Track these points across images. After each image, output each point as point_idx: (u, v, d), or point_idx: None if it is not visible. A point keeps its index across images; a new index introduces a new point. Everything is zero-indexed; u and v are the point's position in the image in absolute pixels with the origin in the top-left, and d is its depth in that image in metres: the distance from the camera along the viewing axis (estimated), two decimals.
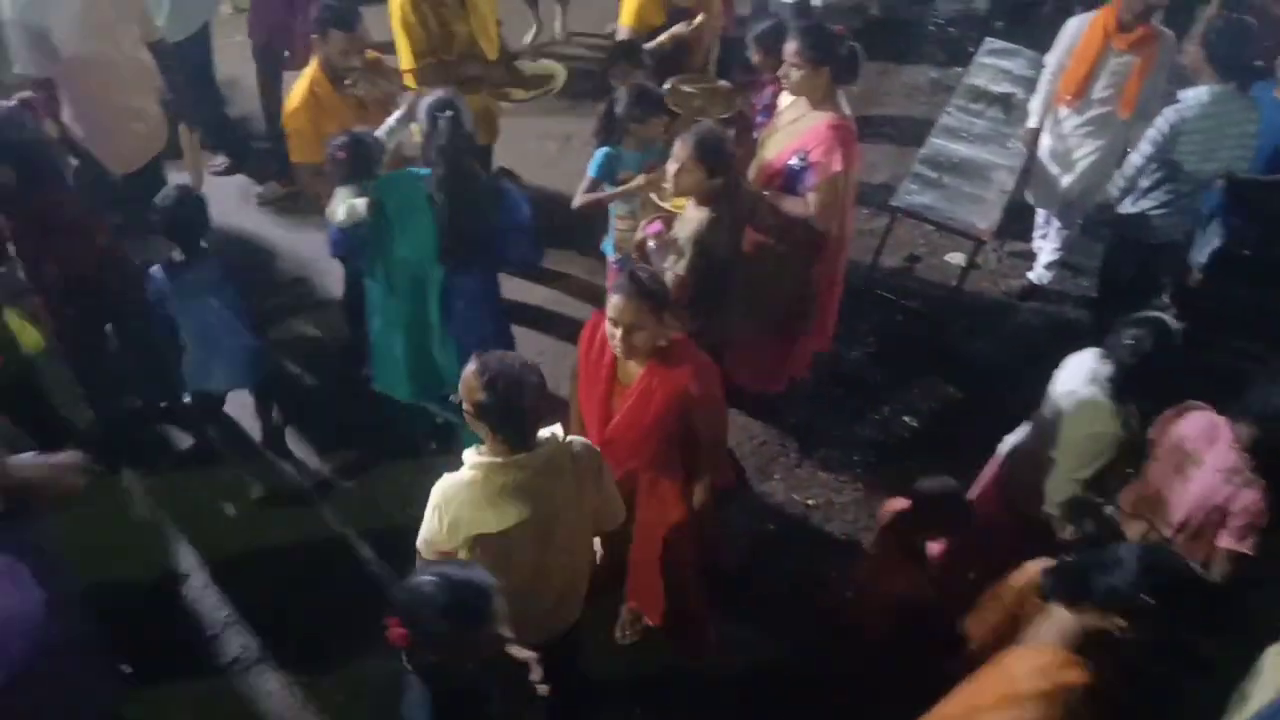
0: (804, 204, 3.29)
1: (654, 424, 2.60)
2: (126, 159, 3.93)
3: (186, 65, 4.28)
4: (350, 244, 3.39)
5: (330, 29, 3.42)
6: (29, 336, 3.24)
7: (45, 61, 3.56)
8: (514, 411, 2.16)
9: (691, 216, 3.14)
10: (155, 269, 3.20)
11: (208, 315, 3.26)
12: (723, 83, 4.18)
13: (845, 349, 4.35)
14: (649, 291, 2.43)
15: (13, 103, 3.20)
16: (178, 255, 3.21)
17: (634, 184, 3.44)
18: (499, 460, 2.20)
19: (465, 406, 2.21)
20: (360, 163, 3.20)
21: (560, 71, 4.29)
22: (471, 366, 2.19)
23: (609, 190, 3.49)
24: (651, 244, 3.25)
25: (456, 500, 2.22)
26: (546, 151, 5.45)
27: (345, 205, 3.18)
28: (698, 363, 2.58)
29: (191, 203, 3.21)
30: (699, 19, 4.22)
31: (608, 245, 3.82)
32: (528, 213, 3.27)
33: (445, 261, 3.15)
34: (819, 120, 3.29)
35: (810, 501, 3.78)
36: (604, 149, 3.55)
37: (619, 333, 2.46)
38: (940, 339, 4.49)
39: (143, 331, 3.49)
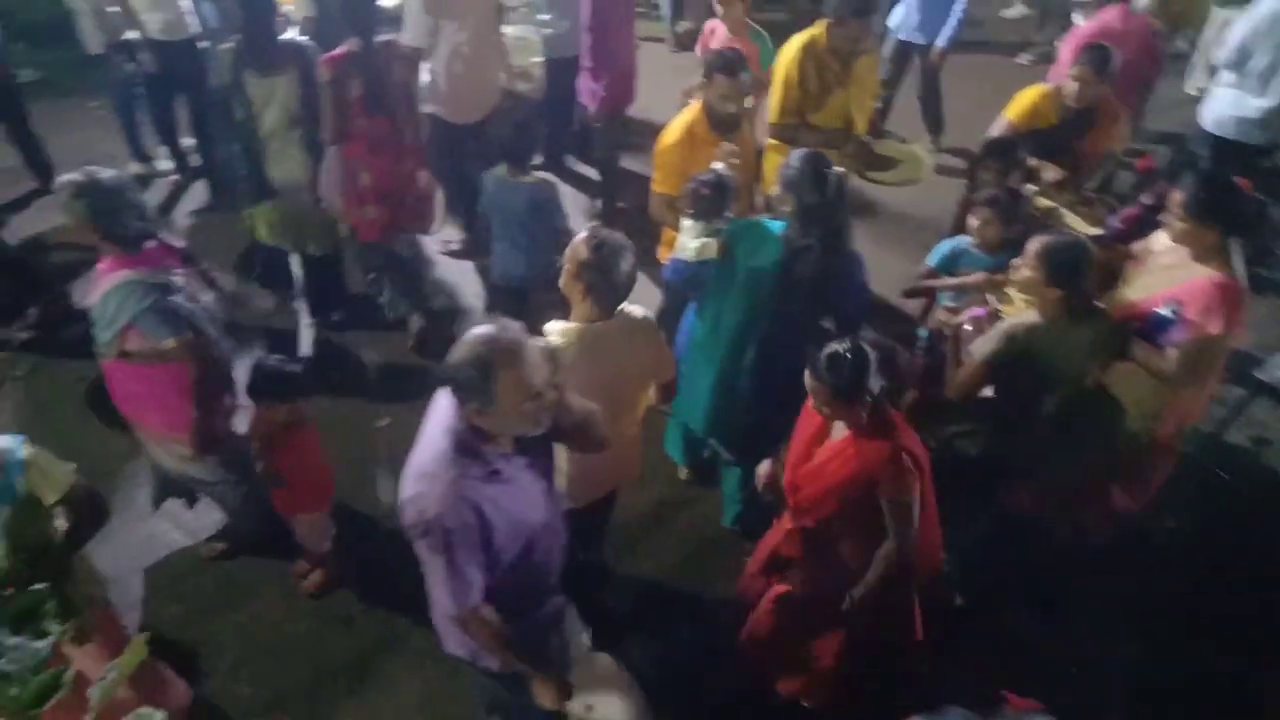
0: (1163, 359, 2.97)
1: (836, 488, 2.62)
2: (468, 112, 4.86)
3: None
4: (689, 277, 3.48)
5: (716, 74, 3.61)
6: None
7: (426, 37, 4.40)
8: (610, 276, 2.57)
9: (1023, 313, 3.01)
10: (489, 174, 4.05)
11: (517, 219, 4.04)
12: (1099, 197, 3.91)
13: (1152, 518, 3.88)
14: (831, 382, 2.46)
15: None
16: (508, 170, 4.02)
17: (974, 279, 3.32)
18: (584, 325, 2.64)
19: (568, 267, 2.61)
20: (718, 203, 3.31)
21: (925, 161, 4.21)
22: (584, 234, 2.62)
23: (945, 280, 3.40)
24: (967, 326, 3.12)
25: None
26: (882, 225, 5.40)
27: (699, 243, 3.26)
28: (899, 445, 2.52)
29: (527, 131, 4.16)
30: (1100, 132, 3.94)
31: (922, 330, 3.74)
32: (865, 277, 3.23)
33: (779, 314, 3.17)
34: (1203, 276, 2.96)
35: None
36: (951, 241, 3.46)
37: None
38: (1267, 537, 3.88)
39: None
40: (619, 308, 2.70)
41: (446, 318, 4.86)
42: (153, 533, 3.76)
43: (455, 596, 2.13)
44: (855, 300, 3.20)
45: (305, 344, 4.78)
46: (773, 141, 4.25)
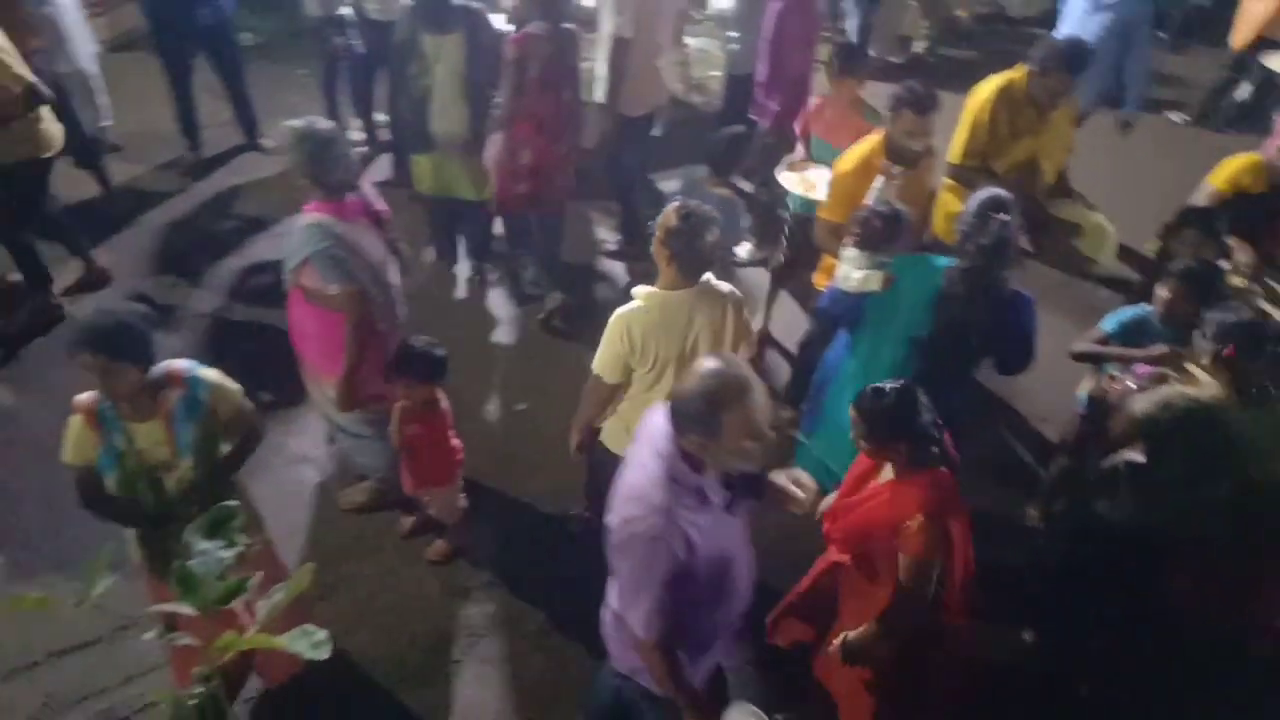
0: None
1: (865, 528, 2.62)
2: (635, 106, 4.91)
3: None
4: (846, 307, 3.42)
5: (904, 108, 3.55)
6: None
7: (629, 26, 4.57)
8: (694, 244, 2.74)
9: (1203, 381, 2.86)
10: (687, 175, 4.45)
11: None
12: None
13: None
14: (867, 417, 2.48)
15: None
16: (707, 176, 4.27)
17: (1154, 352, 3.14)
18: (668, 291, 2.83)
19: (657, 234, 2.78)
20: (887, 235, 3.24)
21: (1110, 239, 4.02)
22: (675, 203, 2.78)
23: (1119, 349, 3.23)
24: (1131, 384, 2.97)
25: (640, 326, 2.82)
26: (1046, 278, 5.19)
27: (862, 273, 3.21)
28: (933, 504, 2.44)
29: (738, 145, 4.29)
30: None
31: (1082, 393, 3.58)
32: (1034, 325, 3.11)
33: (936, 354, 3.11)
34: None
35: None
36: (1133, 309, 3.29)
37: None
38: None
39: None
40: (703, 277, 2.85)
41: (574, 298, 5.00)
42: (300, 478, 3.98)
43: (648, 624, 2.11)
44: (1018, 347, 3.11)
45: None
46: (949, 182, 4.16)
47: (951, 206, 3.95)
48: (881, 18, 7.70)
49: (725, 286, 2.94)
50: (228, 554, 1.74)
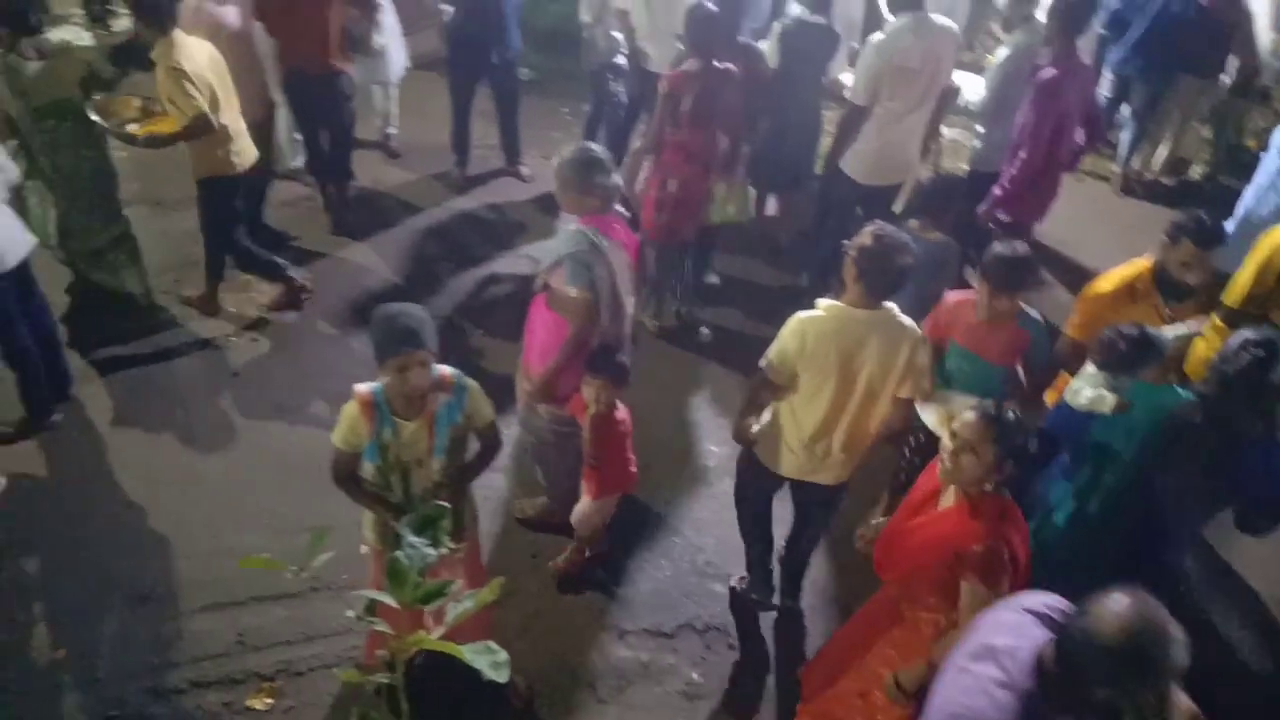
0: None
1: (923, 549, 2.58)
2: (874, 178, 5.02)
3: None
4: (1071, 426, 3.19)
5: (1185, 238, 3.29)
6: None
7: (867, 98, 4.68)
8: (882, 266, 2.84)
9: None
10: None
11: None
12: None
13: None
14: (1006, 429, 2.41)
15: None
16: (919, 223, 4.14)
17: None
18: (849, 307, 2.92)
19: (850, 251, 2.89)
20: (1133, 359, 3.02)
21: None
22: (871, 227, 2.90)
23: None
24: None
25: (815, 331, 2.93)
26: None
27: (1096, 392, 3.04)
28: (1003, 534, 2.41)
29: (943, 190, 4.41)
30: None
31: None
32: None
33: (1160, 490, 2.89)
34: None
35: None
36: None
37: (953, 448, 2.45)
38: None
39: None
40: (888, 306, 2.92)
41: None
42: (491, 484, 4.11)
43: None
44: (1265, 502, 2.84)
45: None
46: (1216, 323, 3.80)
47: (1212, 351, 3.61)
48: (1161, 134, 7.21)
49: (908, 321, 2.97)
50: (431, 553, 1.85)
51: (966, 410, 2.53)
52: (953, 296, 3.63)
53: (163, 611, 3.51)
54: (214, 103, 4.31)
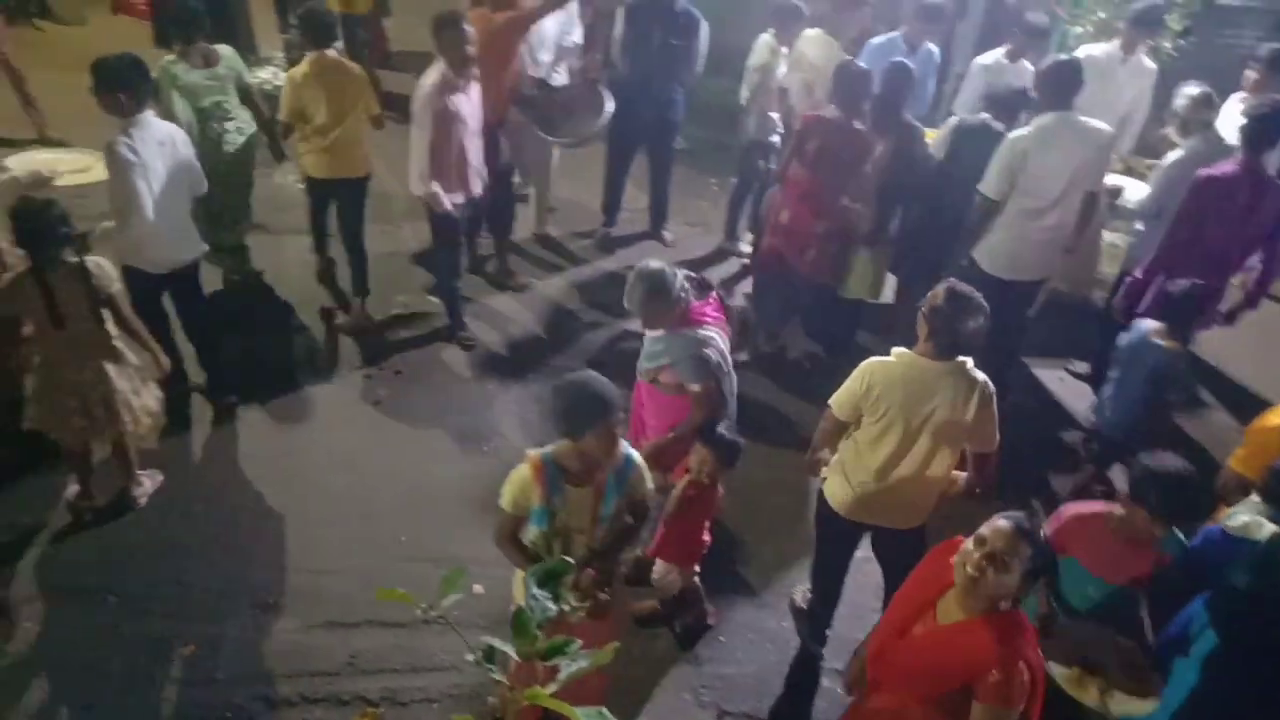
0: None
1: (927, 674, 2.45)
2: (1008, 271, 4.90)
3: None
4: (1221, 552, 2.97)
5: None
6: None
7: (998, 193, 4.69)
8: (951, 323, 2.93)
9: None
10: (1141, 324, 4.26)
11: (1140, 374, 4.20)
12: None
13: None
14: (1037, 544, 2.33)
15: None
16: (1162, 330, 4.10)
17: None
18: (920, 357, 3.01)
19: (924, 307, 3.00)
20: None
21: None
22: (945, 285, 3.01)
23: None
24: None
25: (882, 375, 3.05)
26: None
27: (1251, 518, 2.89)
28: (1020, 653, 2.30)
29: (1189, 302, 4.11)
30: None
31: None
32: None
33: None
34: None
35: None
36: None
37: (978, 555, 2.32)
38: None
39: None
40: (962, 360, 2.99)
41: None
42: None
43: None
44: None
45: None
46: None
47: None
48: None
49: (980, 376, 3.01)
50: (551, 607, 1.87)
51: (999, 519, 2.39)
52: (1073, 509, 3.12)
53: (284, 623, 3.67)
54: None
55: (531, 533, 2.82)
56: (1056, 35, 6.91)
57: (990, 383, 3.01)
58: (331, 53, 4.89)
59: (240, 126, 5.05)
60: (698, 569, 3.75)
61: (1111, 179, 5.50)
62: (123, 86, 3.82)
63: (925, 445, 3.05)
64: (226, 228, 5.25)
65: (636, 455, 2.86)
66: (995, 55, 5.87)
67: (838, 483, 3.26)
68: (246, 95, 5.06)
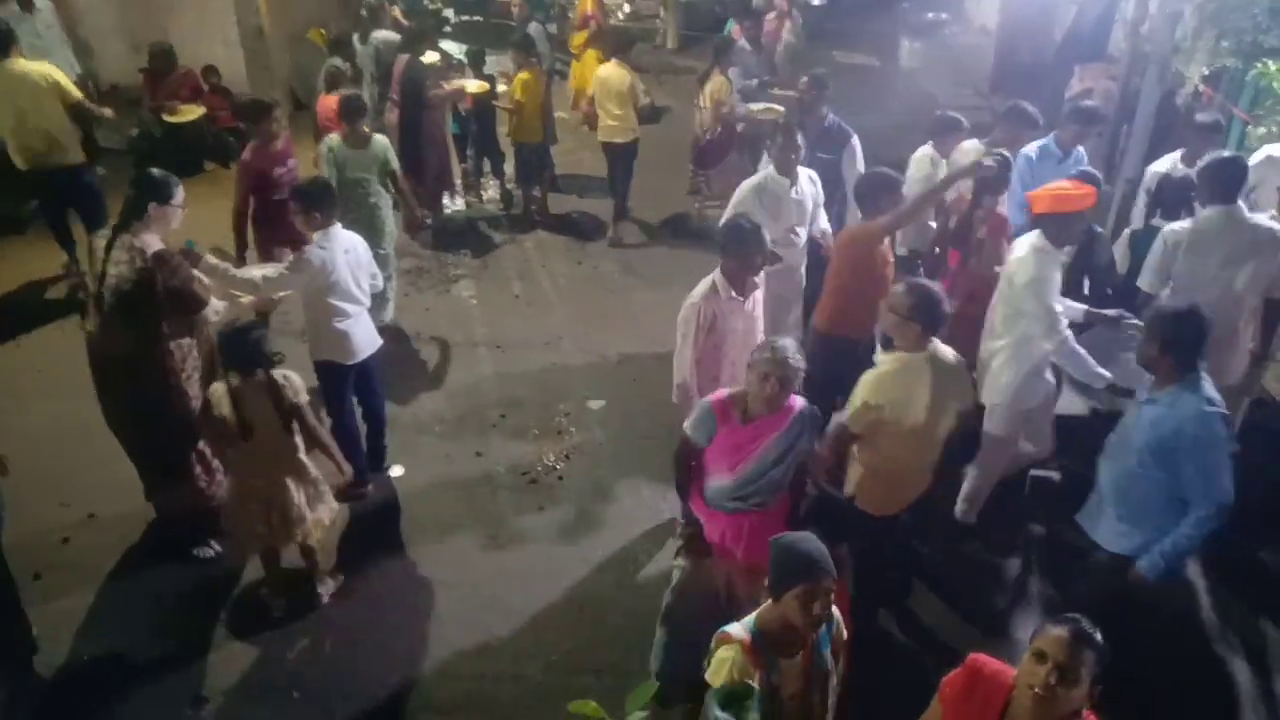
0: None
1: None
2: None
3: None
4: None
5: None
6: None
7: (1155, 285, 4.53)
8: (931, 315, 3.44)
9: None
10: None
11: None
12: None
13: None
14: (1099, 648, 2.20)
15: None
16: None
17: None
18: (907, 354, 3.50)
19: (895, 311, 3.48)
20: None
21: None
22: (903, 286, 3.53)
23: None
24: None
25: (886, 376, 3.51)
26: None
27: None
28: None
29: None
30: None
31: None
32: None
33: None
34: None
35: None
36: None
37: (1043, 672, 2.17)
38: None
39: None
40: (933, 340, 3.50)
41: None
42: None
43: None
44: None
45: None
46: None
47: None
48: None
49: (950, 350, 3.57)
50: None
51: (1053, 627, 2.23)
52: None
53: None
54: None
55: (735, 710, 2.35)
56: (1235, 136, 6.59)
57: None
58: None
59: (376, 201, 6.04)
60: None
61: None
62: (317, 207, 4.47)
63: (928, 429, 3.49)
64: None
65: (835, 609, 2.59)
66: (1171, 160, 5.65)
67: (872, 488, 3.64)
68: (389, 176, 6.10)
